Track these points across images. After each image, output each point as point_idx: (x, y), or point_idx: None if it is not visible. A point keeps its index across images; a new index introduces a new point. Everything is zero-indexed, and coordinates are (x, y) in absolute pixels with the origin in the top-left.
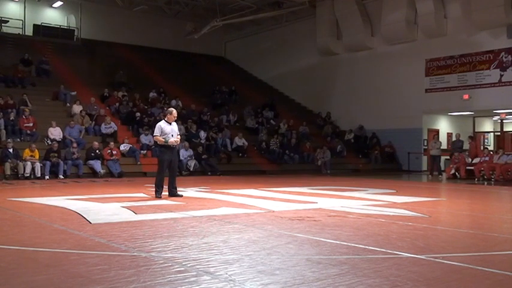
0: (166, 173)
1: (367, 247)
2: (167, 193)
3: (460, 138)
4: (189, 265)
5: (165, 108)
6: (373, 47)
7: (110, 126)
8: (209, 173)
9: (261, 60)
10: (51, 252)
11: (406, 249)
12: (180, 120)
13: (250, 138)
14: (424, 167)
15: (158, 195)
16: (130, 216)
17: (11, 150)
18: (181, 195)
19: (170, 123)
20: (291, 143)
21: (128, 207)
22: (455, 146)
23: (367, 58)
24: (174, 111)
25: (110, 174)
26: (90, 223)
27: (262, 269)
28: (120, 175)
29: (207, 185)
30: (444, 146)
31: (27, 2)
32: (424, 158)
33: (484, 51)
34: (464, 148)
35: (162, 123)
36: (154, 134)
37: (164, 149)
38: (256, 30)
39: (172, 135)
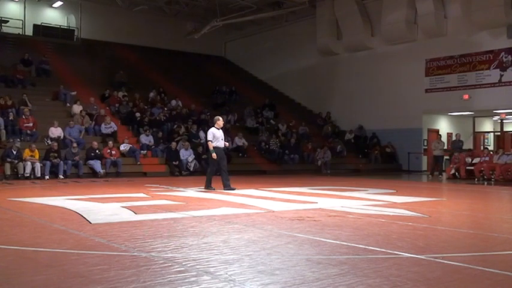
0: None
1: (367, 247)
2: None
3: (460, 139)
4: (189, 265)
5: (165, 109)
6: (373, 47)
7: (110, 126)
8: None
9: (261, 60)
10: (51, 252)
11: (406, 249)
12: (180, 120)
13: (250, 138)
14: (424, 167)
15: (209, 187)
16: (130, 216)
17: (14, 151)
18: (234, 189)
19: (219, 129)
20: (291, 143)
21: (127, 207)
22: (455, 146)
23: (367, 58)
24: (221, 119)
25: (108, 173)
26: (90, 223)
27: (262, 269)
28: (117, 174)
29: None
30: (444, 146)
31: (27, 2)
32: (424, 158)
33: (484, 51)
34: (464, 148)
35: (213, 130)
36: (208, 139)
37: (215, 149)
38: (256, 30)
39: (222, 139)
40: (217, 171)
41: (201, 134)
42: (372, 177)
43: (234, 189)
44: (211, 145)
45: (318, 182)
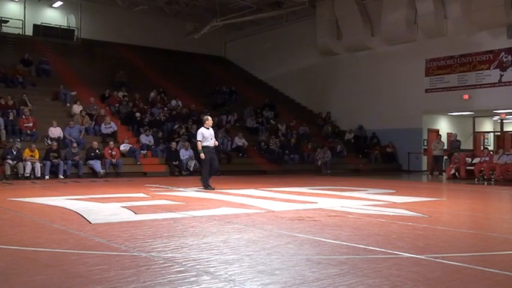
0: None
1: (367, 247)
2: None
3: (457, 138)
4: (189, 265)
5: (165, 109)
6: (373, 47)
7: (110, 126)
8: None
9: (261, 60)
10: (51, 252)
11: (406, 249)
12: (180, 120)
13: (250, 138)
14: (424, 167)
15: (209, 188)
16: (130, 216)
17: (15, 151)
18: (214, 188)
19: (208, 128)
20: (291, 143)
21: (127, 207)
22: (452, 146)
23: (367, 58)
24: (210, 118)
25: (108, 173)
26: (90, 223)
27: (262, 269)
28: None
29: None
30: (444, 146)
31: (27, 2)
32: (424, 158)
33: (484, 51)
34: (463, 148)
35: (202, 130)
36: (197, 139)
37: (205, 149)
38: (256, 30)
39: (211, 139)
40: (212, 170)
41: None
42: (372, 177)
43: (213, 189)
44: (199, 145)
45: (318, 182)
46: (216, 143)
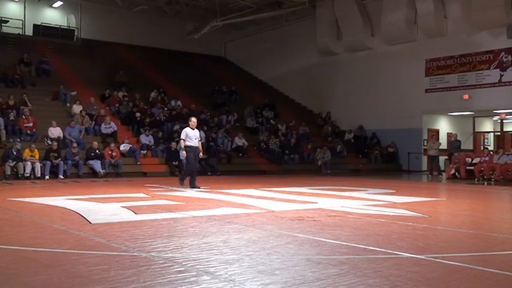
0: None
1: (367, 247)
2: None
3: (457, 138)
4: (189, 265)
5: (165, 109)
6: (373, 47)
7: (109, 126)
8: (209, 173)
9: (261, 60)
10: (51, 252)
11: (406, 249)
12: (180, 120)
13: (250, 138)
14: (424, 167)
15: (181, 182)
16: (130, 216)
17: (15, 152)
18: (199, 187)
19: (193, 129)
20: (291, 143)
21: (128, 207)
22: (453, 146)
23: (367, 58)
24: (193, 119)
25: (108, 173)
26: (90, 223)
27: (262, 269)
28: (118, 175)
29: (207, 185)
30: (444, 146)
31: (27, 2)
32: (424, 158)
33: (484, 51)
34: (463, 148)
35: (187, 129)
36: (180, 137)
37: (189, 148)
38: (256, 30)
39: (195, 139)
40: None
41: (201, 134)
42: (372, 177)
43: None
44: (182, 143)
45: (318, 182)
46: (201, 153)
